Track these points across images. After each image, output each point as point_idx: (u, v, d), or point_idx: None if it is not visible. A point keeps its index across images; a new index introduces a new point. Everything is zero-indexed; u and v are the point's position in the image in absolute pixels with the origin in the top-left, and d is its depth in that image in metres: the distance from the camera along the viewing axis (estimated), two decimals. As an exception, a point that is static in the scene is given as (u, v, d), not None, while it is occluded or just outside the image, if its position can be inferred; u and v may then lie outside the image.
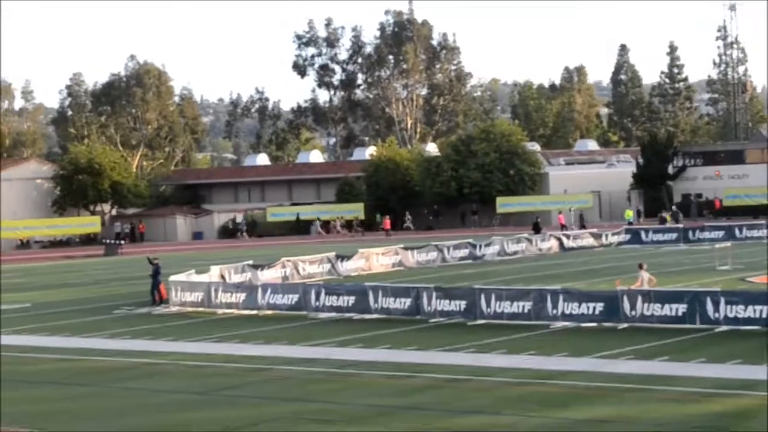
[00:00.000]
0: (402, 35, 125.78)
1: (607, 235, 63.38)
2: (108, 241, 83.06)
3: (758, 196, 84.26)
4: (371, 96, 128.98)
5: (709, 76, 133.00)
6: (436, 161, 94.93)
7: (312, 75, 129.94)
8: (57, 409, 22.16)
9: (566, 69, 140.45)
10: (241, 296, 37.71)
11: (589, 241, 62.53)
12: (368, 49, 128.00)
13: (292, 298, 36.45)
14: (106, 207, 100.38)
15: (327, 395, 22.32)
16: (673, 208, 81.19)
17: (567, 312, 30.80)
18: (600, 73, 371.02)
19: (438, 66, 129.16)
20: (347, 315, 34.64)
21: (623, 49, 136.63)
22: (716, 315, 28.68)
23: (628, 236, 63.93)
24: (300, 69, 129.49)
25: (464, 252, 56.31)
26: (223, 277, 43.27)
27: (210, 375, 25.47)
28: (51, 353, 30.18)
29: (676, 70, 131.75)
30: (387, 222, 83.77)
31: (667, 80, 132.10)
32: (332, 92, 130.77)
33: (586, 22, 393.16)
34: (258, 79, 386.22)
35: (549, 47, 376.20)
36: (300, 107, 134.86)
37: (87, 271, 63.27)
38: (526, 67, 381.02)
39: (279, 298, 36.74)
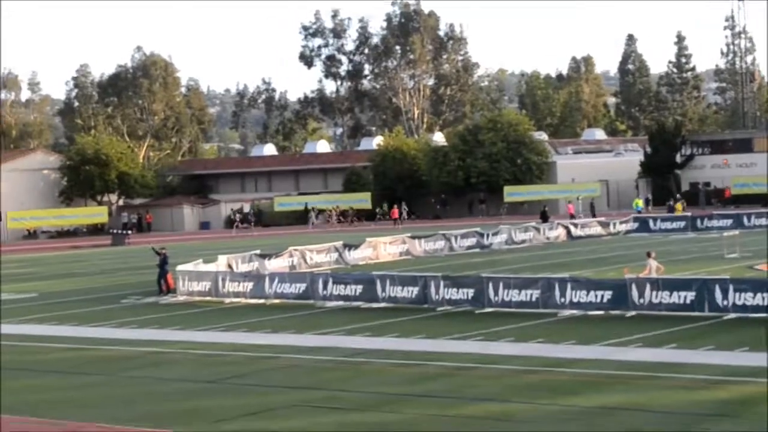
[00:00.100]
0: (409, 26, 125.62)
1: (615, 224, 63.29)
2: (115, 231, 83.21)
3: (766, 185, 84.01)
4: (378, 86, 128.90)
5: (716, 65, 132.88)
6: (443, 151, 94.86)
7: (319, 65, 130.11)
8: (64, 398, 22.17)
9: (573, 59, 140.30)
10: (249, 285, 37.69)
11: (597, 229, 62.45)
12: (375, 40, 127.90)
13: (300, 287, 36.42)
14: (113, 197, 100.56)
15: (336, 383, 22.30)
16: (677, 196, 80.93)
17: (575, 300, 30.73)
18: (607, 63, 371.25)
19: (445, 56, 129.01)
20: (355, 304, 34.60)
21: (631, 38, 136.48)
22: (725, 303, 28.60)
23: (636, 225, 63.84)
24: (307, 59, 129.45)
25: (472, 241, 56.26)
26: (230, 266, 43.26)
27: (218, 364, 25.47)
28: (58, 342, 30.21)
29: (683, 60, 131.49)
30: (395, 211, 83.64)
31: (675, 70, 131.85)
32: (339, 83, 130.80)
33: (593, 12, 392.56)
34: (265, 70, 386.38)
35: (556, 37, 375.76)
36: (307, 98, 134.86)
37: (94, 261, 63.35)
38: (533, 57, 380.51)
39: (286, 287, 36.72)
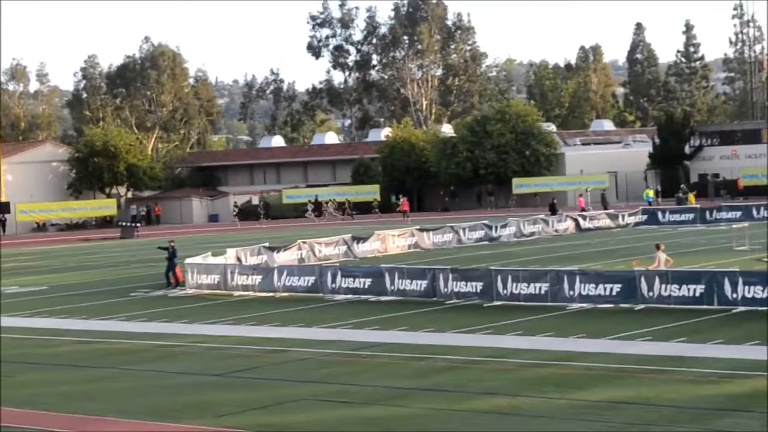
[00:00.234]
0: (416, 16, 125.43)
1: (623, 216, 63.20)
2: (124, 223, 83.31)
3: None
4: (386, 77, 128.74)
5: (725, 54, 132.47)
6: (451, 142, 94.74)
7: (326, 56, 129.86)
8: (73, 392, 22.22)
9: (582, 48, 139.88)
10: (258, 278, 37.73)
11: (606, 221, 62.34)
12: (383, 30, 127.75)
13: (309, 280, 36.45)
14: (122, 189, 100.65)
15: (345, 377, 22.32)
16: (682, 186, 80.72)
17: (584, 293, 30.73)
18: (616, 53, 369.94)
19: (453, 46, 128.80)
20: (363, 297, 34.63)
21: (639, 27, 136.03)
22: (734, 296, 28.56)
23: (645, 217, 63.73)
24: (314, 50, 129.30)
25: (480, 233, 56.23)
26: (239, 259, 43.32)
27: (226, 357, 25.51)
28: (68, 336, 30.29)
29: (692, 49, 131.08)
30: (405, 203, 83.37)
31: (684, 59, 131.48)
32: (347, 73, 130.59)
33: (601, 1, 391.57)
34: (273, 61, 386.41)
35: (564, 26, 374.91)
36: (315, 88, 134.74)
37: (103, 253, 63.45)
38: (541, 47, 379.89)
39: (295, 280, 36.75)
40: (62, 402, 21.16)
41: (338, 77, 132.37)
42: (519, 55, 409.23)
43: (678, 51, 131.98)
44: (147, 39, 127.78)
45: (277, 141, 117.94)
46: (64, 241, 78.19)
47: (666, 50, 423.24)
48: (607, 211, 65.78)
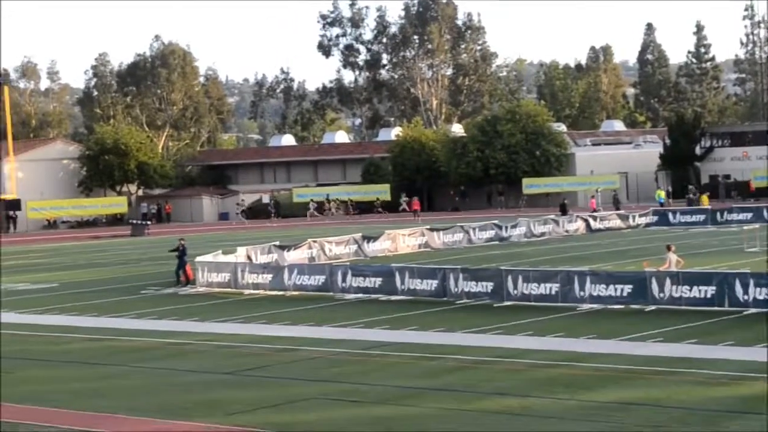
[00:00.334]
0: (427, 15, 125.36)
1: (634, 217, 63.11)
2: (135, 221, 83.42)
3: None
4: (396, 76, 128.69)
5: (736, 55, 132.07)
6: (461, 142, 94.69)
7: (337, 55, 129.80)
8: (83, 389, 22.26)
9: (592, 49, 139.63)
10: (268, 277, 37.76)
11: (617, 222, 62.25)
12: (393, 29, 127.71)
13: (319, 279, 36.48)
14: (133, 187, 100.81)
15: (355, 376, 22.34)
16: (690, 187, 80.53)
17: (594, 294, 30.69)
18: (626, 53, 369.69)
19: (463, 46, 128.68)
20: (374, 296, 34.64)
21: (650, 28, 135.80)
22: (745, 297, 28.49)
23: (655, 218, 63.63)
24: (325, 49, 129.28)
25: (491, 233, 56.20)
26: (249, 257, 43.34)
27: (237, 355, 25.53)
28: (78, 333, 30.34)
29: (703, 50, 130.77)
30: (416, 203, 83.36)
31: (694, 60, 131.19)
32: (357, 72, 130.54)
33: (612, 1, 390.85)
34: (283, 60, 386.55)
35: (575, 27, 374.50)
36: (325, 88, 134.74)
37: (114, 251, 63.56)
38: (551, 47, 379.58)
39: (305, 279, 36.78)
40: (73, 399, 21.21)
41: (348, 76, 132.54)
42: (529, 55, 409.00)
43: (689, 52, 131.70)
44: (157, 37, 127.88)
45: (288, 140, 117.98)
46: (75, 239, 78.33)
47: (677, 51, 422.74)
48: (617, 212, 65.66)
